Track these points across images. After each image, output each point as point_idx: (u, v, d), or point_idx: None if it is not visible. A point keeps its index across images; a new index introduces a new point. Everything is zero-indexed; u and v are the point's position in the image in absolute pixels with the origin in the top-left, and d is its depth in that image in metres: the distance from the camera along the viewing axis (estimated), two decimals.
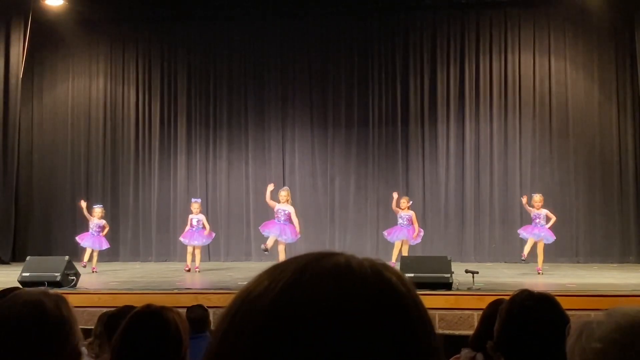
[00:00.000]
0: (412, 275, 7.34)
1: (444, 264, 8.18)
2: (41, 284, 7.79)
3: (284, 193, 10.92)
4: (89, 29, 14.35)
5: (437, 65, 13.92)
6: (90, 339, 3.12)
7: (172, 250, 13.77)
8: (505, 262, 12.78)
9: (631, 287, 8.20)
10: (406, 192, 12.94)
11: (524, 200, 11.02)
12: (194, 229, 11.35)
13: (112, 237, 12.31)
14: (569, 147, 13.44)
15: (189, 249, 11.38)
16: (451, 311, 7.16)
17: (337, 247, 13.00)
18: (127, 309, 2.92)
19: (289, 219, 10.80)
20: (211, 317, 5.35)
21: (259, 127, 14.28)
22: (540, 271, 10.50)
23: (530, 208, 10.84)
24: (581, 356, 1.11)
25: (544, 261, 10.68)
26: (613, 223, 13.12)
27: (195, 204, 11.52)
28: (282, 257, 10.49)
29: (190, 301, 6.53)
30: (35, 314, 1.74)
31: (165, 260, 13.72)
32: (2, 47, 13.75)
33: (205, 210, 13.17)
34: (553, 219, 10.79)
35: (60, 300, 1.83)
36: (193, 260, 11.31)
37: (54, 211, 14.46)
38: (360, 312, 0.62)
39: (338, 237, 13.82)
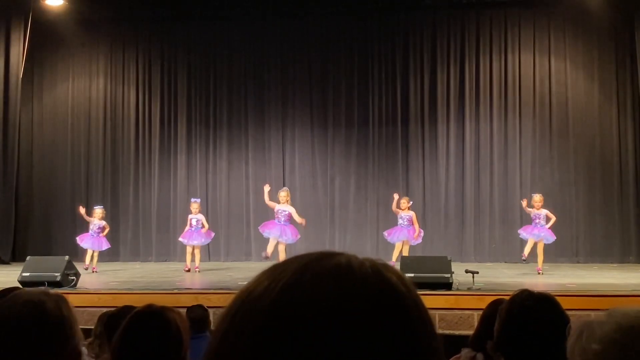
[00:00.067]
0: (412, 275, 7.34)
1: (444, 264, 8.18)
2: (41, 284, 7.79)
3: (283, 194, 10.91)
4: (89, 29, 14.35)
5: (437, 65, 13.92)
6: (90, 339, 3.12)
7: (172, 250, 13.77)
8: (505, 262, 12.78)
9: (631, 287, 8.21)
10: (406, 192, 12.94)
11: (524, 203, 11.00)
12: (193, 229, 11.35)
13: (112, 237, 12.30)
14: (569, 147, 13.44)
15: (189, 249, 11.38)
16: (451, 311, 7.16)
17: (337, 247, 12.99)
18: (127, 309, 2.92)
19: (289, 220, 10.80)
20: (211, 317, 5.35)
21: (259, 127, 14.28)
22: (540, 271, 10.50)
23: (530, 209, 10.83)
24: (582, 356, 1.11)
25: (544, 261, 10.68)
26: (613, 223, 13.12)
27: (195, 204, 11.51)
28: (282, 257, 10.49)
29: (190, 301, 6.53)
30: (36, 314, 1.74)
31: (165, 260, 13.72)
32: (2, 47, 13.75)
33: (205, 210, 13.17)
34: (553, 219, 10.78)
35: (61, 300, 1.83)
36: (193, 260, 11.31)
37: (54, 211, 14.45)
38: (360, 312, 0.62)
39: (338, 237, 13.82)
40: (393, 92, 14.01)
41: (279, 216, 10.74)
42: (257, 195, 13.34)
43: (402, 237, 10.82)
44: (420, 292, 0.68)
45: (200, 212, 11.54)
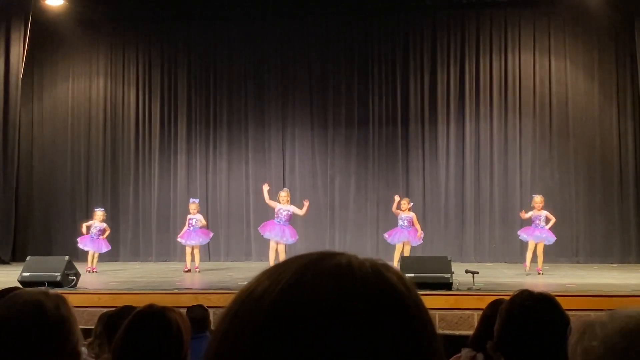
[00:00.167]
0: (412, 275, 7.34)
1: (444, 264, 8.18)
2: (41, 284, 7.79)
3: (283, 194, 10.91)
4: (89, 29, 14.36)
5: (437, 65, 13.92)
6: (90, 339, 3.12)
7: (172, 250, 13.77)
8: (505, 262, 12.78)
9: (631, 288, 8.20)
10: (406, 192, 12.94)
11: (523, 215, 10.92)
12: (191, 229, 11.35)
13: (112, 237, 12.30)
14: (569, 147, 13.44)
15: (188, 250, 11.39)
16: (451, 311, 7.16)
17: (337, 247, 12.99)
18: (127, 309, 2.92)
19: (289, 220, 10.80)
20: (211, 317, 5.35)
21: (259, 127, 14.28)
22: (541, 271, 10.49)
23: (529, 214, 10.77)
24: (583, 357, 1.11)
25: (544, 261, 10.68)
26: (613, 223, 13.12)
27: (193, 205, 11.51)
28: (282, 257, 10.49)
29: (190, 301, 6.53)
30: (35, 314, 1.74)
31: (165, 260, 13.72)
32: (2, 47, 13.74)
33: (205, 210, 13.19)
34: (553, 220, 10.77)
35: (60, 301, 1.83)
36: (192, 260, 11.32)
37: (54, 211, 14.46)
38: (360, 312, 0.62)
39: (338, 237, 13.82)
40: (393, 92, 14.01)
41: (280, 215, 10.74)
42: (257, 195, 13.33)
43: (403, 239, 10.83)
44: (420, 292, 0.68)
45: (199, 212, 11.54)
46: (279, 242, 10.67)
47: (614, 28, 13.37)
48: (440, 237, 13.31)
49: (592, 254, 13.05)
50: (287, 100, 14.25)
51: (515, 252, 12.64)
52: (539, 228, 10.65)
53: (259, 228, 11.23)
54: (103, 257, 11.91)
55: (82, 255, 11.44)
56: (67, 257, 8.96)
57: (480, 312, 3.05)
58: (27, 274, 8.64)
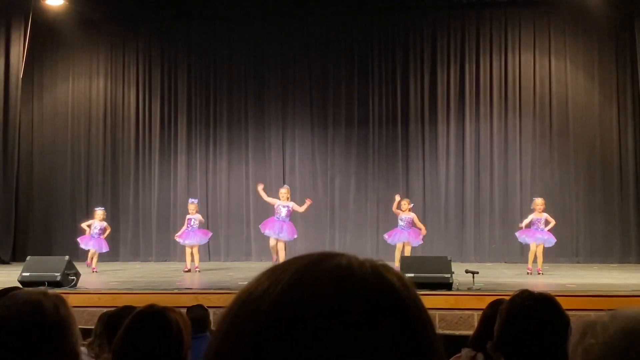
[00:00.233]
0: (412, 275, 7.34)
1: (444, 264, 8.18)
2: (41, 283, 7.79)
3: (283, 191, 10.95)
4: (89, 29, 14.36)
5: (437, 65, 13.92)
6: (90, 339, 3.12)
7: (172, 250, 13.77)
8: (505, 262, 12.78)
9: (631, 287, 8.20)
10: (406, 192, 12.95)
11: (521, 226, 10.90)
12: (190, 229, 11.36)
13: (112, 237, 12.31)
14: (569, 147, 13.44)
15: (188, 250, 11.39)
16: (451, 311, 7.16)
17: (337, 247, 13.00)
18: (127, 309, 2.92)
19: (289, 216, 10.80)
20: (211, 317, 5.35)
21: (259, 127, 14.28)
22: (541, 272, 10.49)
23: (529, 218, 10.75)
24: (583, 357, 1.11)
25: (544, 262, 10.67)
26: (613, 223, 13.11)
27: (192, 205, 11.52)
28: (282, 255, 10.51)
29: (190, 301, 6.53)
30: (34, 314, 1.74)
31: (165, 260, 13.72)
32: (2, 47, 13.75)
33: (205, 210, 13.20)
34: (552, 222, 10.74)
35: (59, 301, 1.83)
36: (192, 260, 11.32)
37: (54, 211, 14.46)
38: (360, 312, 0.62)
39: (338, 237, 13.82)
40: (393, 92, 14.01)
41: (279, 211, 10.75)
42: (257, 195, 13.33)
43: (402, 239, 10.83)
44: (420, 292, 0.68)
45: (198, 212, 11.55)
46: (279, 240, 10.67)
47: (614, 28, 13.37)
48: (440, 237, 13.31)
49: (592, 254, 13.05)
50: (287, 100, 14.25)
51: (515, 252, 12.64)
52: (539, 230, 10.64)
53: (259, 226, 11.24)
54: (103, 257, 11.91)
55: (82, 255, 11.44)
56: (67, 257, 8.96)
57: (480, 312, 3.05)
58: (27, 274, 8.64)
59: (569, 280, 9.35)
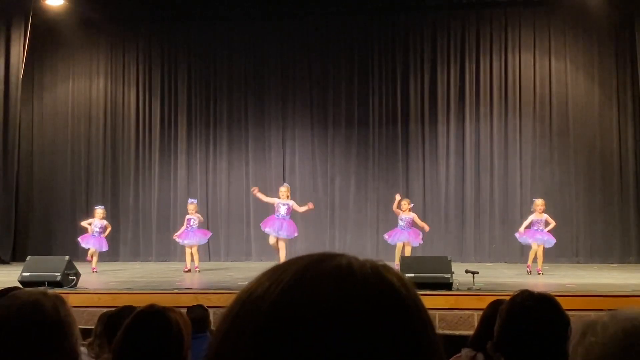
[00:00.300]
0: (412, 275, 7.35)
1: (444, 264, 8.18)
2: (41, 283, 7.79)
3: (283, 189, 10.96)
4: (89, 29, 14.36)
5: (437, 65, 13.92)
6: (90, 339, 3.12)
7: (172, 250, 13.77)
8: (505, 262, 12.78)
9: (631, 288, 8.20)
10: (406, 192, 12.94)
11: (520, 231, 10.89)
12: (189, 229, 11.36)
13: (112, 237, 12.31)
14: (569, 147, 13.44)
15: (187, 250, 11.39)
16: (451, 311, 7.16)
17: (337, 247, 13.00)
18: (127, 309, 2.92)
19: (289, 214, 10.80)
20: (211, 317, 5.35)
21: (259, 127, 14.28)
22: (541, 272, 10.49)
23: (528, 220, 10.74)
24: (583, 357, 1.11)
25: (544, 262, 10.67)
26: (613, 223, 13.11)
27: (192, 205, 11.52)
28: (282, 254, 10.51)
29: (190, 301, 6.53)
30: (34, 314, 1.74)
31: (165, 260, 13.72)
32: (2, 47, 13.75)
33: (205, 210, 13.20)
34: (552, 224, 10.74)
35: (59, 301, 1.83)
36: (192, 260, 11.32)
37: (54, 211, 14.46)
38: (360, 313, 0.62)
39: (338, 237, 13.82)
40: (393, 92, 14.01)
41: (279, 209, 10.75)
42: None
43: (402, 239, 10.83)
44: (420, 292, 0.68)
45: (197, 212, 11.55)
46: (278, 238, 10.67)
47: (614, 28, 13.37)
48: (440, 237, 13.30)
49: (592, 254, 13.05)
50: (287, 100, 14.25)
51: (515, 252, 12.64)
52: (539, 231, 10.63)
53: (260, 224, 11.24)
54: (103, 257, 11.91)
55: (82, 255, 11.45)
56: (67, 257, 8.96)
57: (480, 312, 3.05)
58: (27, 274, 8.65)
59: (569, 280, 9.35)
